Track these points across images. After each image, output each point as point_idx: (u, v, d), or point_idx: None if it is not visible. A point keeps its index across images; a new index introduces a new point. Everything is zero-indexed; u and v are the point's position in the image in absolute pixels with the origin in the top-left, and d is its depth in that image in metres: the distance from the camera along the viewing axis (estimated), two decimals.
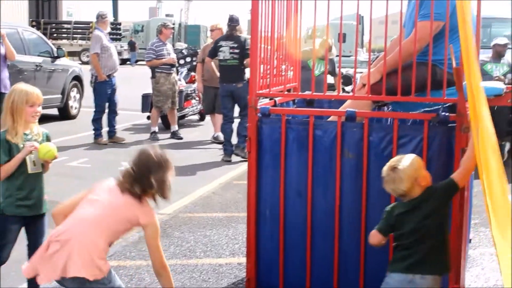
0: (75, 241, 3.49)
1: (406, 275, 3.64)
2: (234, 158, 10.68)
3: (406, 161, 3.72)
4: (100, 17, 11.92)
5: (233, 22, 10.66)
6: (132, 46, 44.62)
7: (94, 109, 11.82)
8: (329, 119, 4.84)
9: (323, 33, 11.06)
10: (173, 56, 12.60)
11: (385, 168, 3.75)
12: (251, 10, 4.74)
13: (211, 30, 12.15)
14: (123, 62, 43.41)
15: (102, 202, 3.65)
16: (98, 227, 3.56)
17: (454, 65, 4.03)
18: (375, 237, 3.79)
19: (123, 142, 11.84)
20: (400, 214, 3.72)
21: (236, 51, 10.48)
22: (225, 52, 10.59)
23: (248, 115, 4.73)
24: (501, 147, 10.11)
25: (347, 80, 13.99)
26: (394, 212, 3.75)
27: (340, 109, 4.85)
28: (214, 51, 10.78)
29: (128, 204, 3.62)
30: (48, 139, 4.51)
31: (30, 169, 4.36)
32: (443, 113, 4.39)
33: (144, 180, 3.59)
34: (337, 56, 11.19)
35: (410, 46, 4.55)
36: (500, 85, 4.87)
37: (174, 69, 12.69)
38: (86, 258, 3.46)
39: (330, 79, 11.00)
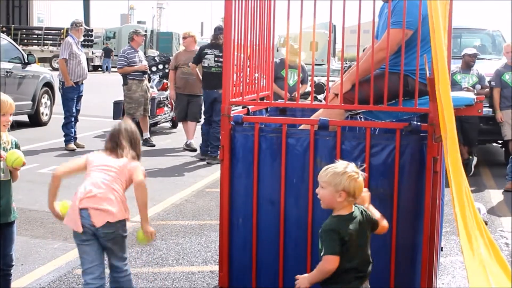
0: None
1: None
2: (205, 168, 10.69)
3: None
4: (75, 25, 11.97)
5: (217, 30, 10.94)
6: (107, 52, 44.37)
7: (63, 115, 11.80)
8: (300, 127, 4.86)
9: (295, 41, 11.10)
10: (145, 63, 12.57)
11: (355, 168, 3.59)
12: (224, 17, 4.75)
13: (184, 38, 12.18)
14: (95, 68, 43.22)
15: (112, 166, 4.32)
16: (116, 183, 4.27)
17: (427, 75, 4.07)
18: (335, 261, 3.49)
19: (83, 148, 11.78)
20: (350, 227, 3.54)
21: (221, 60, 10.57)
22: (210, 60, 10.87)
23: (221, 123, 4.73)
24: (468, 162, 10.21)
25: (319, 88, 14.03)
26: (342, 228, 3.53)
27: (312, 118, 4.87)
28: (199, 58, 11.03)
29: (127, 163, 4.34)
30: (17, 147, 4.47)
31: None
32: (415, 123, 4.43)
33: (136, 148, 4.48)
34: (307, 64, 11.25)
35: (376, 54, 4.59)
36: (470, 95, 4.95)
37: (146, 76, 12.65)
38: (115, 206, 4.19)
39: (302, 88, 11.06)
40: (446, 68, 3.71)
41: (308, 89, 10.94)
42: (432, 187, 4.34)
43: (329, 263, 3.49)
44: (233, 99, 4.84)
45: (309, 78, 10.42)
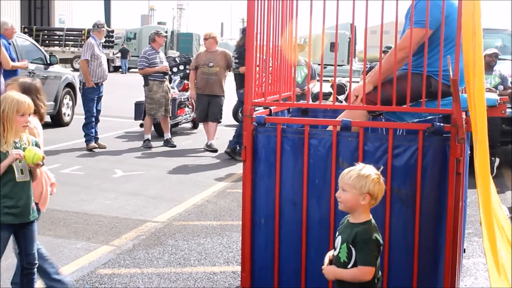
0: None
1: None
2: (226, 168, 10.73)
3: None
4: (97, 26, 12.07)
5: (241, 32, 11.64)
6: (123, 53, 44.57)
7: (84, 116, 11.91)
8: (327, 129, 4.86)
9: (316, 42, 11.08)
10: (166, 64, 12.62)
11: (378, 172, 3.57)
12: (247, 18, 4.76)
13: (205, 39, 12.18)
14: (116, 69, 43.44)
15: None
16: None
17: (451, 76, 4.05)
18: (372, 273, 3.44)
19: (104, 148, 11.87)
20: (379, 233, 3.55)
21: (236, 60, 11.31)
22: (232, 61, 11.61)
23: (244, 123, 4.74)
24: (491, 163, 10.12)
25: (340, 89, 14.01)
26: (378, 235, 3.50)
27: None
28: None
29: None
30: (37, 146, 4.50)
31: (18, 177, 4.35)
32: (438, 124, 4.42)
33: None
34: (328, 65, 11.25)
35: (397, 53, 4.58)
36: (494, 96, 4.92)
37: (167, 77, 12.71)
38: None
39: (317, 87, 11.03)
40: (483, 70, 3.69)
41: (329, 89, 10.95)
42: (455, 189, 4.33)
43: (367, 274, 3.42)
44: (256, 100, 4.85)
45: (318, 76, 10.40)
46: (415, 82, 4.53)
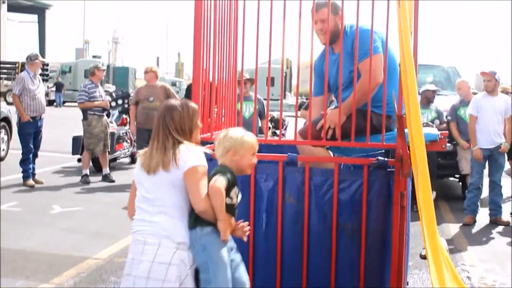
0: None
1: None
2: None
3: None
4: (29, 59, 11.77)
5: None
6: (58, 87, 43.95)
7: (21, 151, 11.63)
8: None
9: (252, 76, 11.17)
10: (106, 99, 12.49)
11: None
12: (193, 51, 4.75)
13: (145, 72, 12.06)
14: (50, 103, 42.78)
15: None
16: None
17: (396, 111, 4.14)
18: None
19: (41, 184, 11.64)
20: None
21: None
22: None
23: None
24: None
25: (276, 123, 14.14)
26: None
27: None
28: None
29: None
30: None
31: None
32: (382, 158, 4.50)
33: None
34: (264, 99, 11.29)
35: (367, 85, 4.63)
36: (435, 131, 5.04)
37: (106, 111, 12.59)
38: None
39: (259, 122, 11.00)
40: (417, 103, 3.79)
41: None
42: (399, 222, 4.40)
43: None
44: (202, 135, 4.85)
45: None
46: (357, 118, 4.60)
